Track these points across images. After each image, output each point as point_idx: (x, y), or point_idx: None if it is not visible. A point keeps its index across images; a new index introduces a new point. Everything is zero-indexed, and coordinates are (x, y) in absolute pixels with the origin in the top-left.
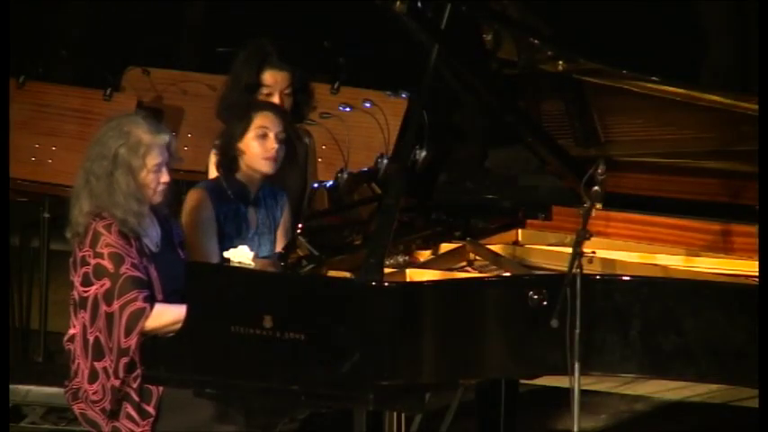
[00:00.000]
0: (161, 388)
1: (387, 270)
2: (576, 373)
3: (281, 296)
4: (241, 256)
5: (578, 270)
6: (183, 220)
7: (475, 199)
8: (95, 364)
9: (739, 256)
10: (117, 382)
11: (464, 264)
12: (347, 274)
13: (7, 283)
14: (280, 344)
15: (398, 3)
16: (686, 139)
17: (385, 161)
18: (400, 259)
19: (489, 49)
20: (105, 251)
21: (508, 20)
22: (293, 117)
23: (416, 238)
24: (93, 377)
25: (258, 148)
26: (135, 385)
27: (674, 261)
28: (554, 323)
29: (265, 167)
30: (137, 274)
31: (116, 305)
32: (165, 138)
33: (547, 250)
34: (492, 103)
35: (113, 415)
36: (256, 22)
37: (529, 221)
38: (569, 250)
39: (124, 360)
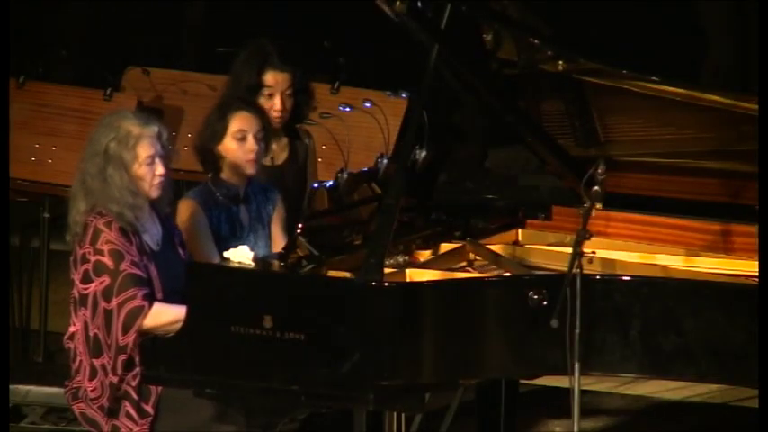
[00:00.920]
0: (160, 387)
1: (387, 270)
2: (576, 373)
3: (281, 296)
4: (241, 256)
5: (578, 270)
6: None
7: (475, 199)
8: (94, 361)
9: (739, 256)
10: (115, 379)
11: (464, 264)
12: (347, 274)
13: (7, 283)
14: (280, 344)
15: (398, 3)
16: (686, 139)
17: (385, 161)
18: (400, 259)
19: (489, 49)
20: (105, 248)
21: (508, 20)
22: (294, 117)
23: (416, 238)
24: (93, 374)
25: (238, 152)
26: (134, 384)
27: (674, 261)
28: (554, 323)
29: (247, 169)
30: (136, 271)
31: (114, 302)
32: (154, 128)
33: (547, 250)
34: (492, 103)
35: (112, 413)
36: (256, 22)
37: (529, 221)
38: (569, 250)
39: (122, 357)
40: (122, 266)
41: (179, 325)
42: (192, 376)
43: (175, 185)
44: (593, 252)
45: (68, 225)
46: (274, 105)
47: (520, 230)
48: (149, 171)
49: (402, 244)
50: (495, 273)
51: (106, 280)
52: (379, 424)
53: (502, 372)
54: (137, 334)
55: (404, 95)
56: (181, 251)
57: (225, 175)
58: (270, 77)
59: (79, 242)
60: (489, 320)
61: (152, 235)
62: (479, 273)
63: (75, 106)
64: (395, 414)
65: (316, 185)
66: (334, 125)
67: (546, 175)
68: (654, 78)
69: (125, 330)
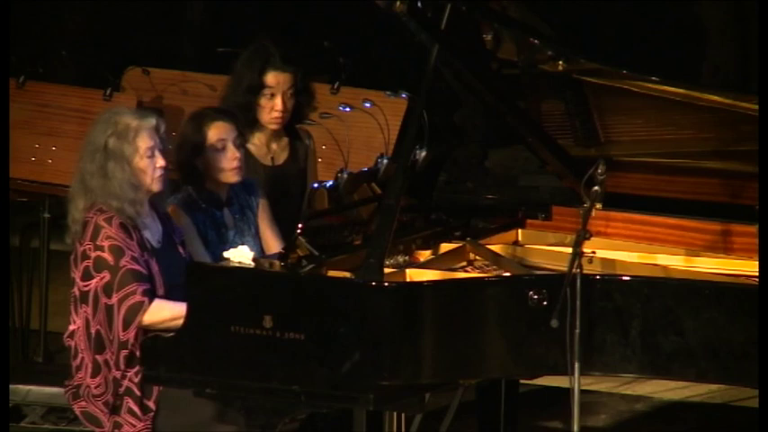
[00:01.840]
0: None
1: (387, 270)
2: (576, 373)
3: (281, 296)
4: (241, 256)
5: (578, 270)
6: None
7: (475, 199)
8: (97, 357)
9: (739, 256)
10: (118, 374)
11: (464, 264)
12: (347, 274)
13: (7, 283)
14: (280, 344)
15: (398, 3)
16: (686, 139)
17: (385, 161)
18: (400, 259)
19: (489, 49)
20: (106, 244)
21: (508, 20)
22: (294, 118)
23: (416, 238)
24: (96, 370)
25: (220, 162)
26: (136, 380)
27: (674, 261)
28: (554, 323)
29: (231, 178)
30: (136, 267)
31: (115, 298)
32: (152, 121)
33: (547, 250)
34: (492, 104)
35: (115, 409)
36: (256, 22)
37: (529, 221)
38: (569, 250)
39: (124, 352)
40: (122, 262)
41: (179, 321)
42: (192, 376)
43: (173, 184)
44: (593, 252)
45: (68, 226)
46: (275, 106)
47: (520, 230)
48: (150, 163)
49: (402, 244)
50: (495, 273)
51: (106, 276)
52: (379, 424)
53: (502, 372)
54: (138, 329)
55: (404, 95)
56: (181, 249)
57: (209, 183)
58: (271, 78)
59: (79, 239)
60: (489, 320)
61: (153, 232)
62: (479, 273)
63: (75, 106)
64: (395, 414)
65: (316, 185)
66: (334, 125)
67: (546, 175)
68: (654, 78)
69: (126, 326)
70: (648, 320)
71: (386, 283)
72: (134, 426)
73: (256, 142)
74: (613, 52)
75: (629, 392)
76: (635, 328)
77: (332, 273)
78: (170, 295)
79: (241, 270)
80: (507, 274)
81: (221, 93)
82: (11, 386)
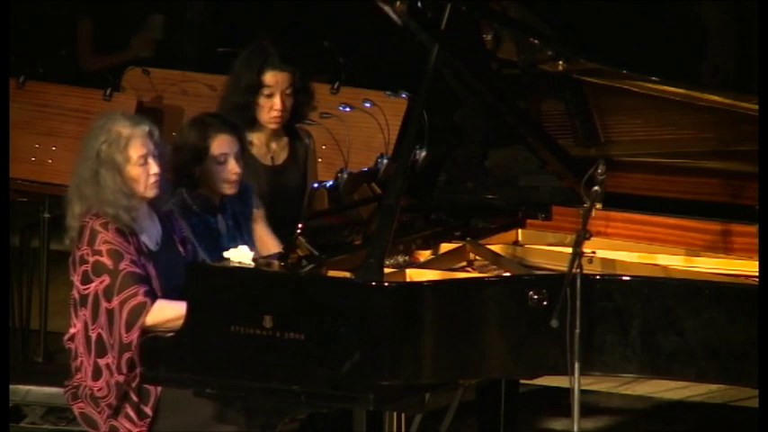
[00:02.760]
0: (159, 389)
1: (387, 270)
2: (576, 373)
3: (281, 296)
4: (241, 256)
5: (578, 270)
6: None
7: (475, 199)
8: (99, 361)
9: (739, 256)
10: (121, 378)
11: (464, 264)
12: (347, 274)
13: (7, 283)
14: (280, 344)
15: (398, 3)
16: (686, 139)
17: (385, 161)
18: (400, 259)
19: (489, 49)
20: (104, 248)
21: (508, 20)
22: (294, 117)
23: (416, 238)
24: (97, 374)
25: (220, 174)
26: (134, 385)
27: (674, 261)
28: (554, 323)
29: (228, 190)
30: (136, 269)
31: (116, 301)
32: (144, 128)
33: (547, 250)
34: (492, 104)
35: (116, 412)
36: (256, 22)
37: (529, 221)
38: (569, 250)
39: (127, 355)
40: (122, 265)
41: (181, 321)
42: (192, 376)
43: (174, 186)
44: (593, 252)
45: (66, 229)
46: (274, 105)
47: (520, 230)
48: (143, 171)
49: (402, 244)
50: (495, 273)
51: (106, 279)
52: (379, 424)
53: (502, 372)
54: (140, 331)
55: (404, 95)
56: (182, 249)
57: (202, 190)
58: (270, 77)
59: (76, 244)
60: (489, 320)
61: (151, 235)
62: (479, 273)
63: (75, 106)
64: (395, 414)
65: (316, 185)
66: (334, 125)
67: (546, 175)
68: (654, 78)
69: (128, 328)
70: (648, 320)
71: (386, 283)
72: (130, 430)
73: (256, 142)
74: (613, 52)
75: (629, 392)
76: (635, 328)
77: (332, 273)
78: (169, 297)
79: (241, 270)
80: (507, 274)
81: (221, 92)
82: (11, 386)
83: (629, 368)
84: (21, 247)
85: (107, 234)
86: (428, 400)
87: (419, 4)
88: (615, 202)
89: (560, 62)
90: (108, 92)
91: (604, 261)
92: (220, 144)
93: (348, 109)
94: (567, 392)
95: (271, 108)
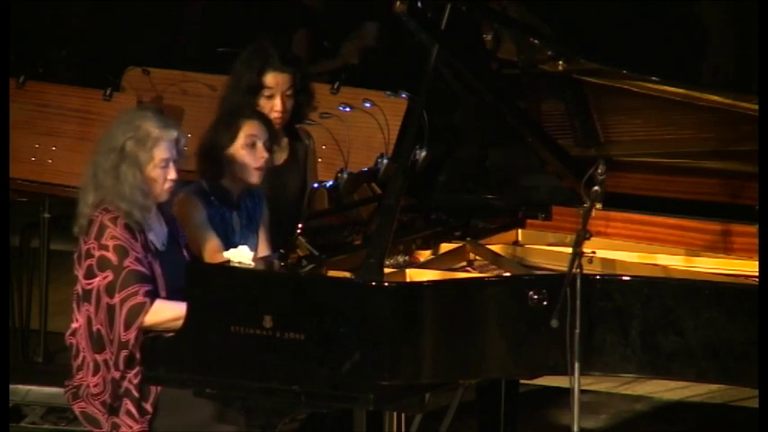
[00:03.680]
0: (159, 386)
1: (387, 270)
2: (576, 373)
3: (281, 296)
4: (241, 256)
5: (578, 270)
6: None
7: (475, 199)
8: (97, 356)
9: (739, 256)
10: (117, 375)
11: (464, 264)
12: (347, 274)
13: (7, 283)
14: (280, 344)
15: (398, 3)
16: (686, 139)
17: (385, 161)
18: (400, 259)
19: (489, 49)
20: (110, 243)
21: (508, 20)
22: (294, 118)
23: (416, 238)
24: (96, 370)
25: (248, 158)
26: (136, 382)
27: (674, 261)
28: (554, 323)
29: (254, 178)
30: (139, 268)
31: (117, 298)
32: (173, 133)
33: (547, 250)
34: (492, 104)
35: (113, 410)
36: (256, 23)
37: (529, 221)
38: (569, 250)
39: (124, 353)
40: (126, 263)
41: (180, 322)
42: (192, 376)
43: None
44: (593, 252)
45: (76, 217)
46: (275, 106)
47: (520, 230)
48: (162, 174)
49: (402, 244)
50: (495, 273)
51: (110, 276)
52: (379, 424)
53: (502, 372)
54: (138, 330)
55: (404, 95)
56: (185, 253)
57: (225, 181)
58: (270, 78)
59: (84, 237)
60: (489, 320)
61: (158, 235)
62: (479, 273)
63: (75, 106)
64: (395, 414)
65: (316, 185)
66: (334, 125)
67: (546, 175)
68: (654, 78)
69: (127, 326)
70: (648, 320)
71: (386, 283)
72: (131, 427)
73: None
74: (613, 52)
75: (629, 392)
76: (635, 328)
77: (332, 273)
78: (172, 298)
79: (241, 270)
80: (507, 274)
81: (221, 92)
82: (11, 386)
83: (629, 368)
84: (21, 247)
85: (115, 229)
86: (428, 400)
87: (419, 4)
88: (615, 202)
89: (560, 62)
90: (108, 92)
91: (604, 261)
92: (251, 127)
93: (348, 109)
94: (567, 392)
95: (271, 109)
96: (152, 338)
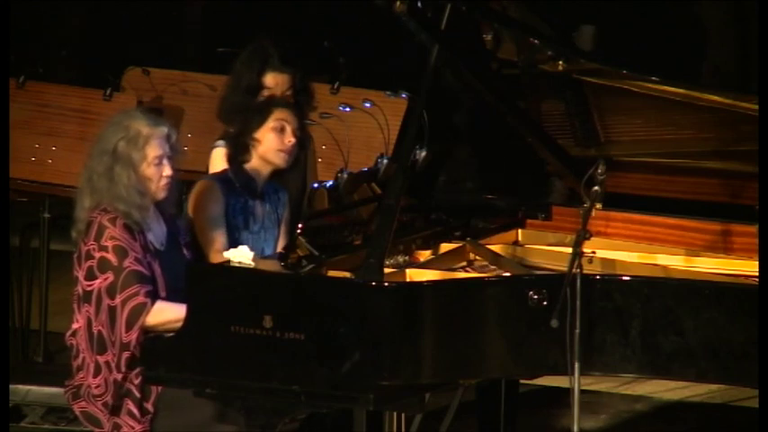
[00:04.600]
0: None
1: (387, 270)
2: (576, 373)
3: (281, 296)
4: (241, 256)
5: (578, 270)
6: (190, 209)
7: (475, 199)
8: (98, 358)
9: (739, 256)
10: (119, 376)
11: (464, 264)
12: (347, 274)
13: (7, 283)
14: (280, 344)
15: (398, 3)
16: (686, 139)
17: (385, 161)
18: (400, 259)
19: (489, 49)
20: (110, 244)
21: (508, 20)
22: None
23: (416, 238)
24: (97, 371)
25: (275, 140)
26: (137, 382)
27: (674, 261)
28: (554, 323)
29: (280, 160)
30: (139, 268)
31: (118, 299)
32: (163, 129)
33: (547, 250)
34: (492, 104)
35: (115, 410)
36: (256, 23)
37: (529, 221)
38: (569, 250)
39: (126, 354)
40: (126, 263)
41: (181, 324)
42: (192, 376)
43: (181, 186)
44: (593, 252)
45: (74, 221)
46: None
47: (520, 230)
48: (157, 171)
49: (402, 244)
50: (495, 273)
51: (110, 277)
52: (379, 424)
53: (502, 372)
54: (140, 331)
55: (404, 95)
56: (186, 252)
57: (251, 165)
58: (270, 78)
59: (83, 239)
60: (489, 320)
61: (156, 235)
62: (479, 273)
63: (75, 106)
64: (395, 414)
65: (316, 185)
66: (334, 125)
67: (546, 175)
68: (654, 78)
69: (128, 327)
70: (648, 320)
71: (386, 283)
72: (132, 427)
73: None
74: (613, 52)
75: (629, 392)
76: (635, 328)
77: (332, 273)
78: (172, 298)
79: (241, 270)
80: (507, 274)
81: (221, 92)
82: (11, 386)
83: (629, 368)
84: (21, 247)
85: (114, 230)
86: (428, 400)
87: (419, 4)
88: (615, 202)
89: (560, 62)
90: (108, 92)
91: (604, 261)
92: (282, 112)
93: (348, 109)
94: (567, 392)
95: None
96: (152, 338)
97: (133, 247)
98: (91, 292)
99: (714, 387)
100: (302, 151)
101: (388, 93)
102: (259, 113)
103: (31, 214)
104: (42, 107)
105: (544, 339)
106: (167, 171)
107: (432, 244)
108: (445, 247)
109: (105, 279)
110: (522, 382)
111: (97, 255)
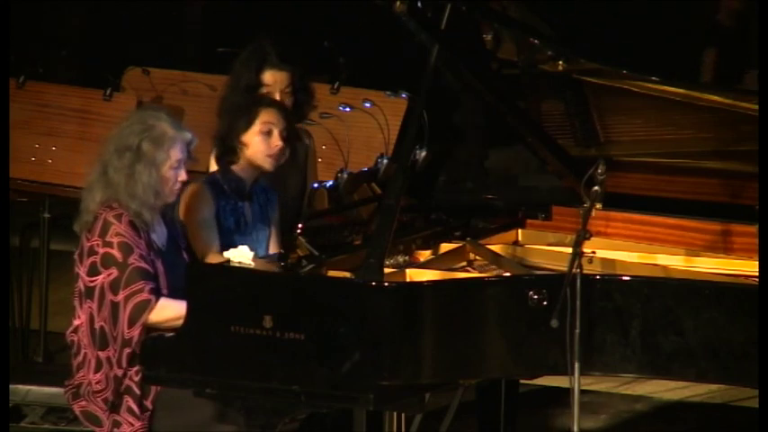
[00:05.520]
0: None
1: (387, 270)
2: (576, 373)
3: (281, 296)
4: (241, 256)
5: (578, 270)
6: (181, 213)
7: (475, 199)
8: (99, 353)
9: (739, 256)
10: (119, 372)
11: (464, 264)
12: (347, 274)
13: (7, 283)
14: (280, 344)
15: (398, 3)
16: (686, 139)
17: (385, 161)
18: (400, 259)
19: (489, 49)
20: (115, 240)
21: (508, 20)
22: (294, 117)
23: (416, 238)
24: (98, 367)
25: (262, 145)
26: (137, 379)
27: (674, 261)
28: (554, 323)
29: (267, 164)
30: (144, 265)
31: (122, 295)
32: (188, 135)
33: (547, 250)
34: (492, 104)
35: (114, 407)
36: (256, 22)
37: (529, 221)
38: (569, 250)
39: (127, 350)
40: (131, 260)
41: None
42: (192, 376)
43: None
44: (593, 252)
45: (79, 213)
46: None
47: (520, 230)
48: (174, 175)
49: (402, 244)
50: (495, 273)
51: (114, 272)
52: (379, 424)
53: (502, 372)
54: (142, 327)
55: (404, 95)
56: (185, 254)
57: (238, 167)
58: (268, 76)
59: (87, 234)
60: (489, 320)
61: (159, 235)
62: (479, 273)
63: (75, 106)
64: (395, 414)
65: (316, 185)
66: (334, 125)
67: (546, 175)
68: (654, 78)
69: (131, 324)
70: (648, 320)
71: (386, 283)
72: (132, 425)
73: None
74: (613, 52)
75: (629, 392)
76: (635, 328)
77: (332, 273)
78: (173, 297)
79: (241, 270)
80: (507, 274)
81: (221, 92)
82: (11, 386)
83: (629, 368)
84: (21, 247)
85: (120, 226)
86: (428, 400)
87: (419, 4)
88: (615, 202)
89: (560, 62)
90: (108, 92)
91: (604, 261)
92: (268, 114)
93: (348, 109)
94: (567, 392)
95: None
96: (153, 338)
97: (138, 244)
98: (93, 287)
99: (714, 387)
100: (297, 144)
101: (388, 93)
102: (245, 115)
103: (31, 214)
104: (42, 107)
105: (544, 339)
106: (183, 176)
107: (432, 244)
108: (445, 247)
109: (109, 275)
110: (522, 382)
111: (101, 251)
